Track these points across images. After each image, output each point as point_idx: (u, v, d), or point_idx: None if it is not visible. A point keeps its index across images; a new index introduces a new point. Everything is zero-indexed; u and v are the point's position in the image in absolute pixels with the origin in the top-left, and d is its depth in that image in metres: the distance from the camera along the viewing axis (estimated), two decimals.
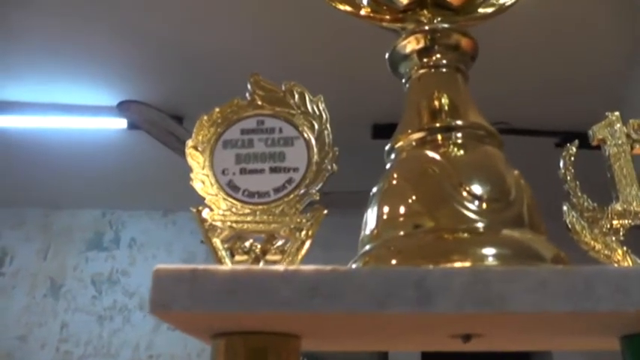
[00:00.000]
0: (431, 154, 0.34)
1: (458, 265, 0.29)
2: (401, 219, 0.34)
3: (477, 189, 0.33)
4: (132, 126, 2.20)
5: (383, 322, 0.27)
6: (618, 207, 0.38)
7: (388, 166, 0.38)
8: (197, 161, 0.38)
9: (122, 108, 1.98)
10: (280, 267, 0.27)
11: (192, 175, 0.37)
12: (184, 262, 3.58)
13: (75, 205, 3.12)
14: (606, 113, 0.44)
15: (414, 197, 0.33)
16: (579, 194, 0.39)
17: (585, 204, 0.39)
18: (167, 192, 2.76)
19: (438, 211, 0.32)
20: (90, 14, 1.80)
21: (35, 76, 2.07)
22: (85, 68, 2.04)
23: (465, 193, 0.32)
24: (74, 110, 2.23)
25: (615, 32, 1.82)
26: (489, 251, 0.31)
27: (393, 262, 0.31)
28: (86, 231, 3.16)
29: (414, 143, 0.37)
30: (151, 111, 1.88)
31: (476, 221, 0.32)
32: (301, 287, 0.25)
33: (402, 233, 0.33)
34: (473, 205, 0.32)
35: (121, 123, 2.26)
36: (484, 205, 0.32)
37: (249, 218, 0.35)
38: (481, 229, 0.32)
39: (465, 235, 0.32)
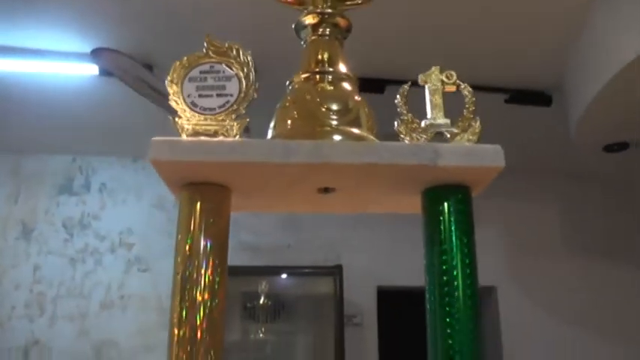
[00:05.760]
0: (309, 87, 0.62)
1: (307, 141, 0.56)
2: (288, 121, 0.61)
3: (332, 106, 0.61)
4: (103, 72, 2.25)
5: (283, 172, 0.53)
6: (427, 122, 0.65)
7: (287, 92, 0.65)
8: (173, 90, 0.62)
9: (95, 54, 2.06)
10: (216, 139, 0.52)
11: (170, 97, 0.62)
12: (154, 207, 3.57)
13: (45, 151, 3.11)
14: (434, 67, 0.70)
15: (296, 112, 0.60)
16: (406, 113, 0.65)
17: (410, 119, 0.65)
18: (137, 138, 2.79)
19: (309, 119, 0.60)
20: None
21: (7, 20, 2.06)
22: (59, 14, 2.05)
23: (324, 110, 0.59)
24: (46, 55, 2.23)
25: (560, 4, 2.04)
26: (337, 137, 0.58)
27: None
28: (56, 176, 3.16)
29: (302, 79, 0.65)
30: (123, 58, 1.99)
31: (330, 124, 0.59)
32: (224, 146, 0.51)
33: (289, 128, 0.60)
34: (328, 115, 0.59)
35: (92, 69, 2.29)
36: (335, 115, 0.60)
37: (202, 122, 0.60)
38: (333, 126, 0.59)
39: (324, 128, 0.59)
